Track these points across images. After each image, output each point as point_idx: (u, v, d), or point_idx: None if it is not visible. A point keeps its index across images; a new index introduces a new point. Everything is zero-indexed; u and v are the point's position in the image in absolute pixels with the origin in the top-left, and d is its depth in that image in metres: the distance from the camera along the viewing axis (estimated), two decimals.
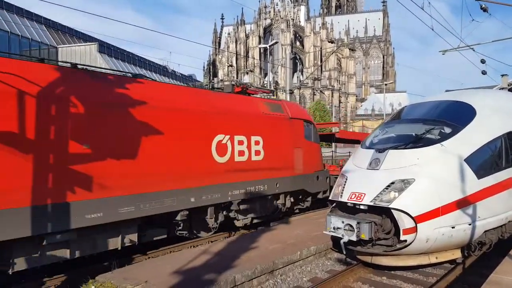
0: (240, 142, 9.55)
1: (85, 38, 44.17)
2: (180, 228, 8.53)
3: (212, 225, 9.22)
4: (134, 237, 7.52)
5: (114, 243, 7.21)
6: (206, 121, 8.77)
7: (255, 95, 11.49)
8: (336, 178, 14.06)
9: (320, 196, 12.95)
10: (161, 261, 7.28)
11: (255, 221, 10.68)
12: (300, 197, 12.33)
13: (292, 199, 11.84)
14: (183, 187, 8.11)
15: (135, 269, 6.79)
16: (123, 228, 7.29)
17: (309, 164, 12.04)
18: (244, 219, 10.23)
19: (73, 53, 40.02)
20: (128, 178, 7.15)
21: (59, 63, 7.24)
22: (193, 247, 8.97)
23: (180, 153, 8.12)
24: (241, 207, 9.77)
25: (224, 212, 9.55)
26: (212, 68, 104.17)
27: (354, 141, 20.69)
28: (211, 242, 9.32)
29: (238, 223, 10.17)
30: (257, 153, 10.05)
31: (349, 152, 22.80)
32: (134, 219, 7.35)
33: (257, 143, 10.04)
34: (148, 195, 7.43)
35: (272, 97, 12.66)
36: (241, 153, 9.54)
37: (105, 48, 42.72)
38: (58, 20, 45.62)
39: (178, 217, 8.19)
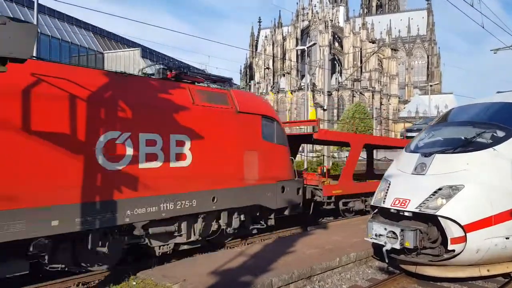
0: (150, 143, 7.12)
1: (129, 43, 46.06)
2: (46, 260, 6.26)
3: (105, 254, 6.94)
4: None
5: None
6: (83, 112, 6.31)
7: (200, 84, 8.75)
8: (316, 188, 11.75)
9: (287, 212, 10.18)
10: (199, 260, 7.35)
11: (183, 247, 8.21)
12: (258, 214, 9.55)
13: (242, 217, 9.06)
14: (32, 206, 5.67)
15: (173, 267, 6.90)
16: None
17: (269, 172, 9.38)
18: (163, 245, 7.76)
19: (118, 59, 41.80)
20: None
21: None
22: (229, 248, 9.00)
23: (29, 158, 5.71)
24: (153, 230, 7.36)
25: (125, 238, 7.18)
26: (248, 71, 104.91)
27: (339, 143, 17.08)
28: (247, 244, 9.29)
29: (156, 251, 7.77)
30: (181, 157, 7.56)
31: (346, 156, 18.44)
32: None
33: (180, 143, 7.57)
34: None
35: (228, 88, 9.66)
36: (151, 157, 7.10)
37: (148, 53, 44.25)
38: (102, 26, 48.00)
39: (32, 248, 5.90)
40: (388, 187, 6.93)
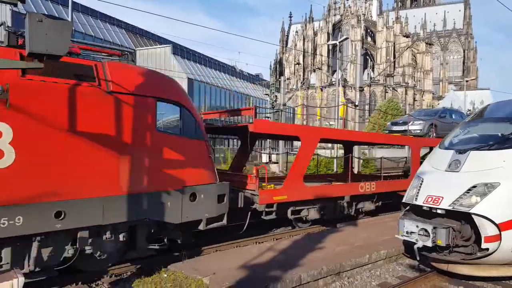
0: None
1: (160, 40, 47.08)
2: None
3: None
4: None
5: None
6: None
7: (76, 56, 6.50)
8: (253, 194, 9.11)
9: (201, 227, 7.50)
10: (228, 254, 7.50)
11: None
12: (153, 231, 6.90)
13: (123, 237, 6.44)
14: None
15: (203, 260, 7.08)
16: None
17: (170, 175, 6.92)
18: None
19: (149, 55, 42.77)
20: None
21: None
22: (258, 243, 9.12)
23: None
24: None
25: None
26: (278, 67, 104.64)
27: (285, 137, 13.57)
28: (276, 239, 9.37)
29: None
30: None
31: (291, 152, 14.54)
32: None
33: None
34: None
35: (129, 62, 7.45)
36: None
37: (178, 50, 45.04)
38: (134, 23, 49.15)
39: None
40: (421, 184, 6.84)
